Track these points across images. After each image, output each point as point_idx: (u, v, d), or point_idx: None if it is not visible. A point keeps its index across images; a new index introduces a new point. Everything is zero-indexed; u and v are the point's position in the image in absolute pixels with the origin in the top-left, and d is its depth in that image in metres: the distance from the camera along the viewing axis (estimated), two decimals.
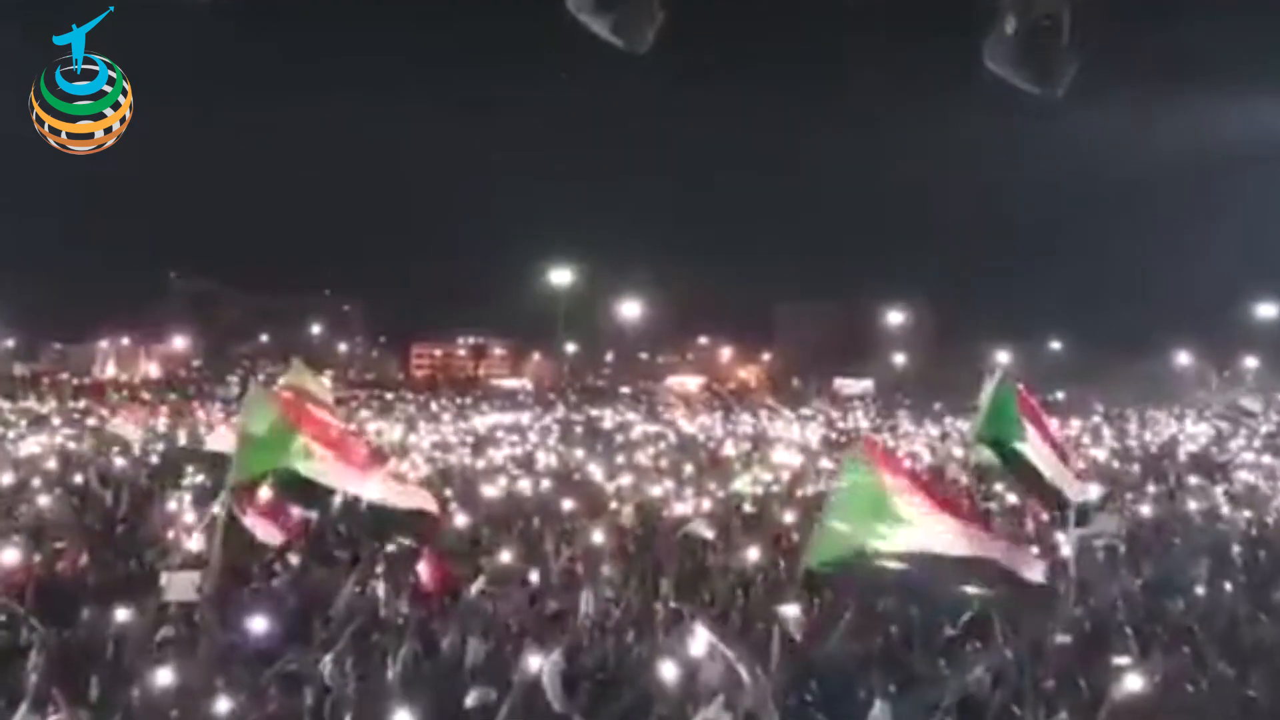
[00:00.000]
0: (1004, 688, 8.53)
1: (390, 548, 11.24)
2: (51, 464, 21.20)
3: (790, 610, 9.75)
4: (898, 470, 8.46)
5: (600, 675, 8.93)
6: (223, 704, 7.75)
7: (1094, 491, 19.26)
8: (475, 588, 11.16)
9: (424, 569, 10.88)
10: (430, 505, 10.36)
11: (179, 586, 9.82)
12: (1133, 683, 8.08)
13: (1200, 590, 12.14)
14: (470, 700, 8.28)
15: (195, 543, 11.61)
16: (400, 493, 10.27)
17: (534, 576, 12.03)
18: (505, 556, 12.52)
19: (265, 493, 11.16)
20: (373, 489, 10.00)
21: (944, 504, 8.24)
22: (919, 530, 7.84)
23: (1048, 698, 8.36)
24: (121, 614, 9.56)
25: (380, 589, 10.86)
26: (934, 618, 10.03)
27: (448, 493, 17.39)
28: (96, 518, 15.56)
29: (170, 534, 13.03)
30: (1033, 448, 11.50)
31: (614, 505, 17.32)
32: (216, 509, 10.30)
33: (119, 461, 22.13)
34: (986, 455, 12.02)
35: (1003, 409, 11.62)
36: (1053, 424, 12.64)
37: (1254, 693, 8.87)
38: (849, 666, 8.86)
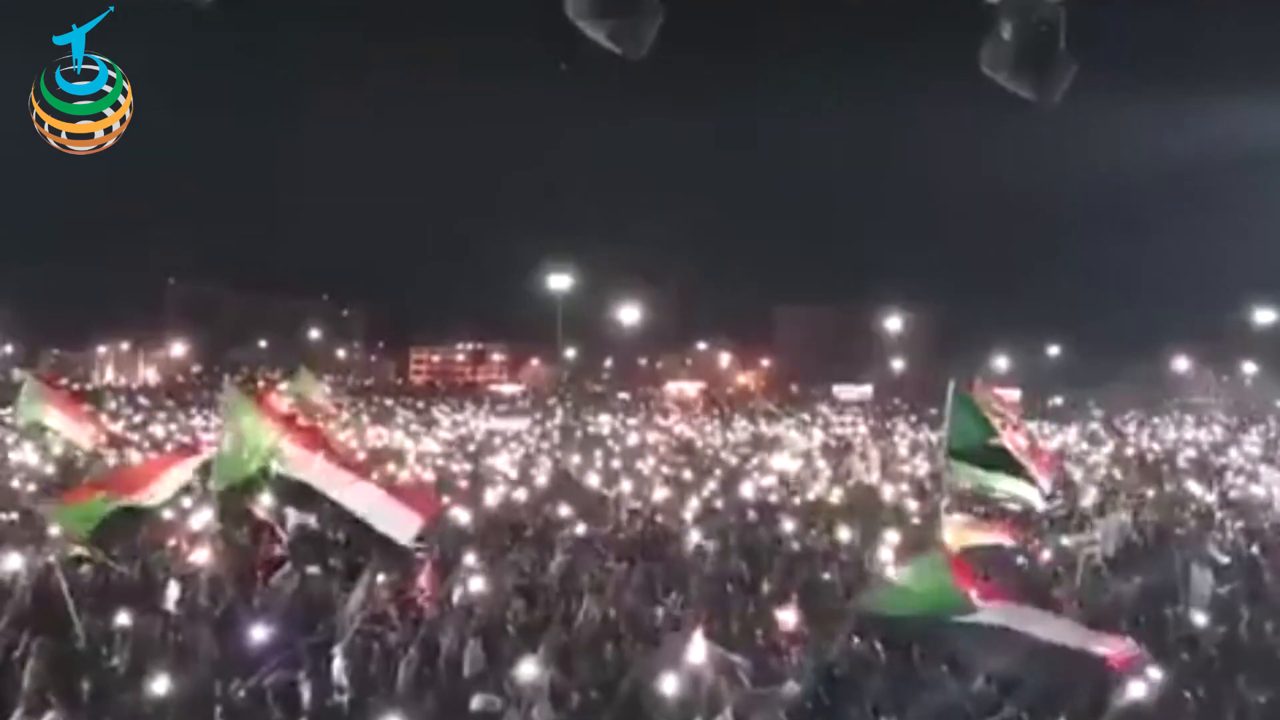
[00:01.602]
0: (1008, 696, 8.49)
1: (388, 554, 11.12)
2: (50, 470, 21.13)
3: (788, 616, 9.75)
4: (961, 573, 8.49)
5: (597, 683, 8.88)
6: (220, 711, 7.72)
7: (1091, 495, 19.36)
8: (470, 594, 11.09)
9: (417, 578, 10.81)
10: (408, 531, 9.65)
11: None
12: (1133, 690, 8.05)
13: (1199, 596, 12.11)
14: (474, 704, 8.24)
15: (199, 554, 11.54)
16: (384, 511, 9.68)
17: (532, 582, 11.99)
18: (503, 563, 12.47)
19: (267, 499, 11.12)
20: (357, 500, 9.74)
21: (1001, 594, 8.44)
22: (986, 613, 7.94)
23: (1050, 705, 8.32)
24: (121, 620, 9.52)
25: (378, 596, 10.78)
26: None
27: (445, 499, 17.31)
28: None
29: (172, 542, 12.94)
30: (1007, 439, 11.59)
31: (614, 511, 17.29)
32: (207, 517, 10.23)
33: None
34: (965, 473, 12.06)
35: (964, 419, 11.68)
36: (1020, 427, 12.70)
37: (1251, 699, 8.85)
38: (854, 674, 8.83)
